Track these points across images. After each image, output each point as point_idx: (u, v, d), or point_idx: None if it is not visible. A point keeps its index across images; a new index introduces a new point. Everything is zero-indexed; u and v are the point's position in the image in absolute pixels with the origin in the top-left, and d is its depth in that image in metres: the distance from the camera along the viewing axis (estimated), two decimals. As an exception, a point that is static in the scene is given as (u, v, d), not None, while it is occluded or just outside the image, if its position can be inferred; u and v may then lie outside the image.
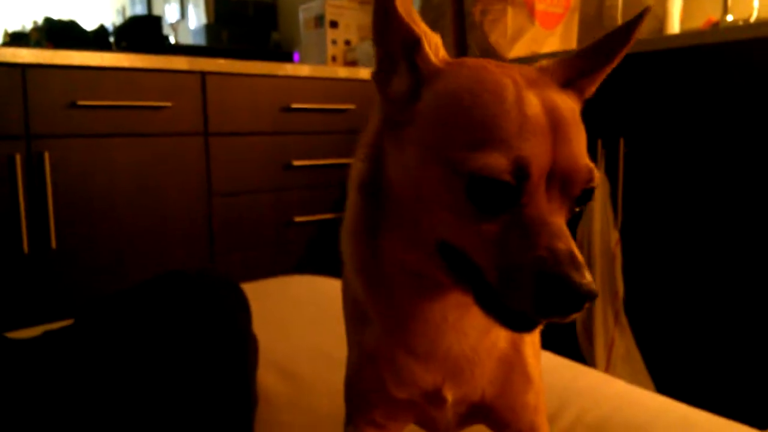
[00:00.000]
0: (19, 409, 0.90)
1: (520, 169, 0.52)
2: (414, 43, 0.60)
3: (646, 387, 1.92)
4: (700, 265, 1.96)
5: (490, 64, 0.60)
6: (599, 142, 2.13)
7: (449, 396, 0.71)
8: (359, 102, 2.71)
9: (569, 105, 0.58)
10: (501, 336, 0.73)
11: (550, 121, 0.55)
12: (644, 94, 2.08)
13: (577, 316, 0.52)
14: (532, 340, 0.78)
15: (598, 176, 0.58)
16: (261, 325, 1.38)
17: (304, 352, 1.33)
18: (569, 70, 0.62)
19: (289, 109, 2.54)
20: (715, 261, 1.92)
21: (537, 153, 0.53)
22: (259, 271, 2.10)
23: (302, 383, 1.24)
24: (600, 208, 2.16)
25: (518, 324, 0.55)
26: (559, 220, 0.55)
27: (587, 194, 0.58)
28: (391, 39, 0.61)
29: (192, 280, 1.17)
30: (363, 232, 0.67)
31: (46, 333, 1.12)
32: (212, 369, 1.03)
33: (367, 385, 0.73)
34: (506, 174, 0.52)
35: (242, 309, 1.17)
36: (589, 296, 0.50)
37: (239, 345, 1.12)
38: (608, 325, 2.15)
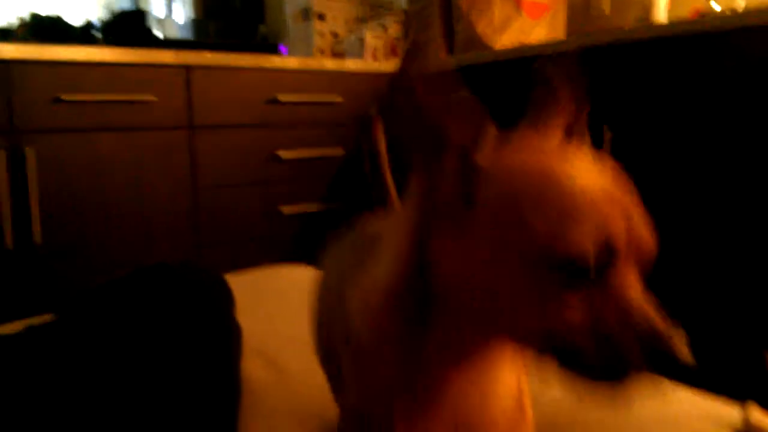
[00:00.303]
0: (2, 404, 0.90)
1: (606, 250, 0.53)
2: (463, 149, 0.57)
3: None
4: (689, 248, 1.98)
5: (538, 152, 0.58)
6: (584, 130, 2.13)
7: None
8: (346, 94, 2.70)
9: (624, 189, 0.58)
10: (511, 391, 0.73)
11: (619, 206, 0.55)
12: (630, 83, 2.09)
13: None
14: (528, 387, 0.79)
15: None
16: (246, 316, 1.39)
17: (289, 341, 1.33)
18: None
19: (275, 102, 2.54)
20: (702, 241, 1.93)
21: (621, 237, 0.54)
22: (246, 263, 2.10)
23: (287, 372, 1.24)
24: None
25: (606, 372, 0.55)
26: (639, 294, 0.55)
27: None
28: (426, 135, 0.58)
29: (174, 272, 1.17)
30: (400, 329, 0.65)
31: (28, 328, 1.12)
32: (196, 359, 1.04)
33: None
34: (591, 256, 0.52)
35: (225, 299, 1.18)
36: (686, 364, 0.52)
37: (222, 335, 1.13)
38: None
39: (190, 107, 2.36)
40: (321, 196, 2.70)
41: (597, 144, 2.00)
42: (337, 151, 2.71)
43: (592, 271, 0.53)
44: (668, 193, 2.01)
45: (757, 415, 1.01)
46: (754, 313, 1.69)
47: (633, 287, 0.55)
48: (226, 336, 1.13)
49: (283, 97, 2.54)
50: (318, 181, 2.70)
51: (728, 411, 1.06)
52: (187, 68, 2.33)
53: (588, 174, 0.56)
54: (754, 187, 1.79)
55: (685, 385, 1.16)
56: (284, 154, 2.57)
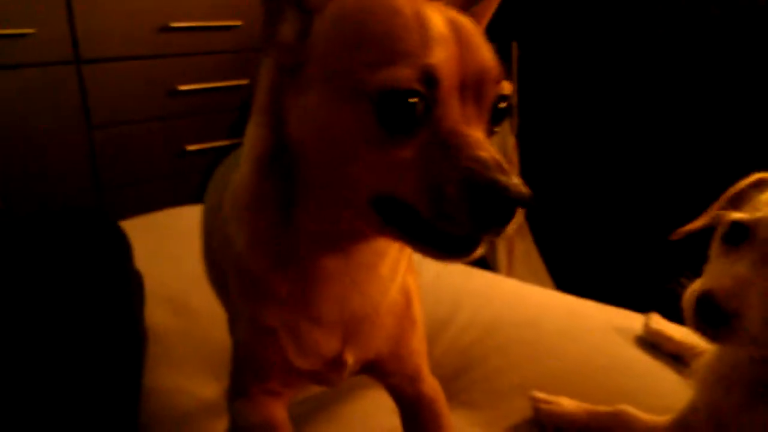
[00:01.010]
0: None
1: (428, 76, 0.50)
2: None
3: (545, 285, 2.00)
4: (594, 165, 2.02)
5: None
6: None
7: (350, 359, 0.71)
8: (247, 18, 2.55)
9: (469, 20, 0.56)
10: (395, 288, 0.72)
11: (452, 30, 0.53)
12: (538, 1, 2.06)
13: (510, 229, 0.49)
14: (417, 284, 0.78)
15: (509, 86, 0.56)
16: (150, 260, 1.33)
17: (195, 285, 1.27)
18: (460, 3, 0.60)
19: (168, 29, 2.36)
20: (609, 160, 1.98)
21: (444, 58, 0.50)
22: (154, 205, 1.99)
23: (194, 316, 1.20)
24: (496, 114, 2.16)
25: (458, 249, 0.51)
26: (478, 133, 0.52)
27: (502, 111, 0.56)
28: None
29: (59, 219, 1.08)
30: (269, 206, 0.62)
31: None
32: (92, 311, 0.98)
33: (265, 358, 0.70)
34: (415, 83, 0.49)
35: (120, 246, 1.10)
36: (521, 197, 0.47)
37: (119, 284, 1.06)
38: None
39: (75, 39, 2.17)
40: (228, 131, 2.58)
41: (506, 60, 1.99)
42: (242, 81, 2.58)
43: (417, 107, 0.49)
44: (575, 103, 2.04)
45: (657, 321, 1.05)
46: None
47: (468, 127, 0.52)
48: (124, 285, 1.07)
49: (177, 24, 2.36)
50: (225, 115, 2.57)
51: (631, 320, 1.10)
52: (66, -5, 2.12)
53: (427, 13, 0.52)
54: (648, 94, 1.83)
55: (592, 300, 1.20)
56: (183, 86, 2.42)
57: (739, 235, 0.67)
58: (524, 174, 2.14)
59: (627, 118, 1.91)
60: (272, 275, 0.65)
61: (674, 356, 1.00)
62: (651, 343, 1.04)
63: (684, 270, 0.70)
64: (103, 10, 2.22)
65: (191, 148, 2.47)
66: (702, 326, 0.65)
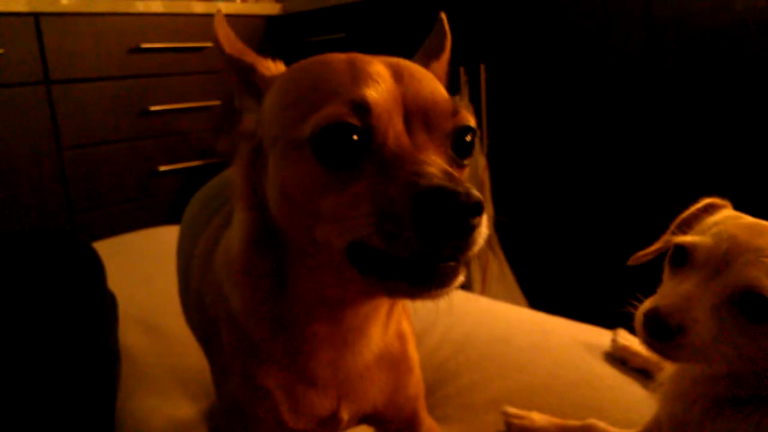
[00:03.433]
0: None
1: (358, 105, 0.50)
2: (249, 71, 0.63)
3: (519, 303, 2.02)
4: (565, 183, 2.06)
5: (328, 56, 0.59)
6: (461, 70, 2.15)
7: (345, 416, 0.71)
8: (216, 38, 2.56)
9: (413, 63, 0.59)
10: (391, 335, 0.73)
11: (390, 69, 0.55)
12: (503, 21, 2.11)
13: (475, 247, 0.47)
14: (411, 327, 0.79)
15: (471, 119, 0.57)
16: (123, 281, 1.32)
17: (168, 305, 1.27)
18: (420, 60, 0.66)
19: (139, 50, 2.36)
20: (579, 180, 2.02)
21: (376, 90, 0.51)
22: (125, 226, 1.99)
23: (167, 336, 1.20)
24: (466, 135, 2.19)
25: (423, 277, 0.48)
26: (431, 157, 0.51)
27: (467, 144, 0.57)
28: (233, 79, 0.64)
29: (30, 240, 1.07)
30: (263, 278, 0.63)
31: None
32: (63, 330, 0.97)
33: (257, 416, 0.69)
34: (345, 115, 0.50)
35: (93, 268, 1.10)
36: (471, 202, 0.45)
37: (93, 305, 1.06)
38: (481, 248, 2.23)
39: (44, 60, 2.16)
40: (201, 151, 2.58)
41: (475, 82, 2.02)
42: (213, 102, 2.58)
43: (353, 138, 0.50)
44: (544, 122, 2.08)
45: (624, 337, 1.08)
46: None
47: (417, 152, 0.51)
48: (97, 305, 1.06)
49: (147, 45, 2.36)
50: (196, 135, 2.57)
51: (599, 336, 1.13)
52: (36, 16, 2.11)
53: (363, 60, 0.55)
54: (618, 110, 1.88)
55: (562, 317, 1.22)
56: (154, 107, 2.42)
57: (683, 257, 0.71)
58: (495, 194, 2.19)
59: (596, 139, 1.95)
60: (268, 339, 0.66)
61: (641, 371, 1.02)
62: (619, 358, 1.06)
63: (646, 288, 0.73)
64: (73, 31, 2.21)
65: (163, 168, 2.46)
66: (650, 341, 0.68)
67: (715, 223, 0.72)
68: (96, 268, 1.11)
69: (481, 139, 2.19)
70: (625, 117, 1.87)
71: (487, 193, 2.19)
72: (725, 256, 0.67)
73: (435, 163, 0.49)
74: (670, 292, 0.69)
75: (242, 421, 0.71)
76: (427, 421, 0.81)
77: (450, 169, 0.49)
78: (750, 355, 0.66)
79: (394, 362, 0.74)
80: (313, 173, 0.52)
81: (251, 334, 0.67)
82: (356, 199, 0.49)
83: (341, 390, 0.70)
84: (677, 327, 0.65)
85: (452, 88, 2.10)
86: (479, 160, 2.18)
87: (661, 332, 0.66)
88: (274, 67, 0.64)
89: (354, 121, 0.50)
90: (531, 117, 2.11)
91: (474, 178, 2.15)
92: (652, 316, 0.67)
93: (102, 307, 1.08)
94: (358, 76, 0.52)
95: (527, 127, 2.13)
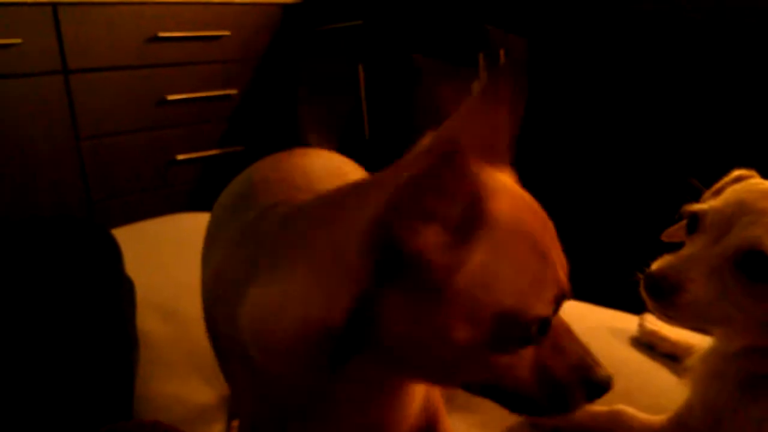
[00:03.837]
0: None
1: (562, 298, 0.54)
2: (476, 200, 0.48)
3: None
4: (590, 168, 2.03)
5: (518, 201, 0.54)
6: (480, 56, 2.12)
7: None
8: (235, 28, 2.55)
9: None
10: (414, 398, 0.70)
11: (551, 235, 0.56)
12: (523, 8, 2.08)
13: None
14: None
15: None
16: (141, 268, 1.31)
17: (186, 291, 1.26)
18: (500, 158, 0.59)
19: (156, 39, 2.36)
20: (605, 162, 1.99)
21: (565, 286, 0.55)
22: (143, 215, 1.97)
23: (185, 322, 1.18)
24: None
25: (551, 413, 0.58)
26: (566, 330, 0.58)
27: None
28: (448, 204, 0.46)
29: (49, 226, 1.07)
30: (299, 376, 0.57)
31: None
32: (84, 317, 0.97)
33: None
34: (552, 308, 0.53)
35: (109, 252, 1.09)
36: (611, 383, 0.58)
37: (111, 290, 1.05)
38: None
39: (62, 50, 2.16)
40: (218, 140, 2.57)
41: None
42: (231, 91, 2.57)
43: (547, 327, 0.53)
44: (564, 112, 2.05)
45: (652, 322, 1.05)
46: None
47: (561, 326, 0.57)
48: (115, 291, 1.05)
49: (164, 34, 2.36)
50: (213, 124, 2.56)
51: (626, 321, 1.10)
52: (54, 6, 2.11)
53: (544, 230, 0.54)
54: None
55: (587, 302, 1.19)
56: (172, 96, 2.41)
57: (695, 224, 0.72)
58: (519, 176, 2.14)
59: (614, 123, 1.92)
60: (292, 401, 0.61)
61: (670, 356, 1.00)
62: (646, 344, 1.03)
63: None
64: (91, 20, 2.22)
65: (180, 157, 2.46)
66: (650, 302, 0.70)
67: (732, 191, 0.72)
68: (113, 253, 1.11)
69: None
70: (650, 108, 1.83)
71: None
72: (730, 219, 0.67)
73: (576, 338, 0.59)
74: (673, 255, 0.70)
75: None
76: (445, 422, 0.77)
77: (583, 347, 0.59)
78: (758, 317, 0.66)
79: (417, 424, 0.72)
80: (496, 345, 0.52)
81: (273, 390, 0.61)
82: (526, 361, 0.54)
83: None
84: (672, 286, 0.67)
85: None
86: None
87: (658, 292, 0.68)
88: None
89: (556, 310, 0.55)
90: (552, 105, 2.08)
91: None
92: (649, 276, 0.69)
93: (119, 292, 1.07)
94: (560, 274, 0.54)
95: (547, 114, 2.10)
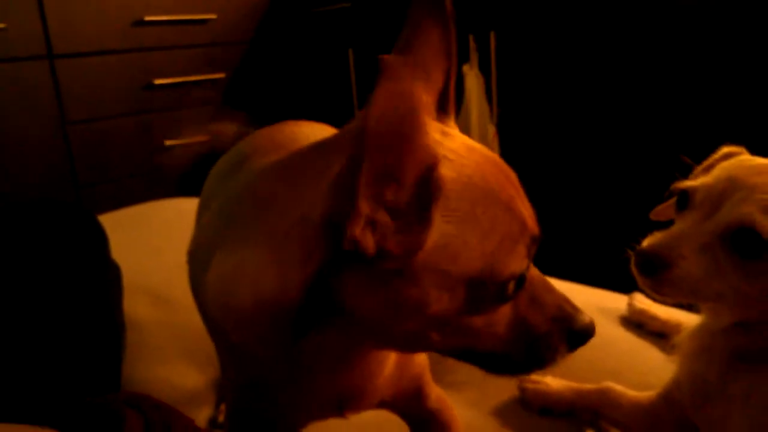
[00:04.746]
0: None
1: (534, 244, 0.53)
2: (432, 165, 0.44)
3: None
4: (574, 150, 2.02)
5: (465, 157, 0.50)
6: (471, 38, 2.11)
7: (349, 416, 0.68)
8: (221, 11, 2.52)
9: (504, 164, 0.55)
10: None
11: (513, 184, 0.53)
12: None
13: None
14: None
15: None
16: (130, 252, 1.30)
17: (176, 276, 1.25)
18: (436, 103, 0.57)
19: (142, 23, 2.33)
20: (588, 144, 1.98)
21: (535, 232, 0.53)
22: (132, 201, 1.96)
23: (174, 307, 1.18)
24: (476, 102, 2.16)
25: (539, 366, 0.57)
26: (534, 270, 0.57)
27: None
28: (405, 169, 0.43)
29: (32, 211, 1.06)
30: (270, 339, 0.54)
31: None
32: (67, 299, 0.96)
33: (262, 414, 0.67)
34: (526, 261, 0.52)
35: (94, 236, 1.08)
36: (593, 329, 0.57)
37: (97, 275, 1.04)
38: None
39: (47, 34, 2.13)
40: (206, 124, 2.55)
41: (485, 50, 1.98)
42: (218, 75, 2.55)
43: (523, 281, 0.52)
44: (554, 90, 2.04)
45: (641, 301, 1.05)
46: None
47: (536, 277, 0.56)
48: (101, 275, 1.04)
49: (150, 17, 2.33)
50: (200, 109, 2.54)
51: (615, 301, 1.10)
52: (37, -11, 2.08)
53: (505, 182, 0.52)
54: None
55: (576, 282, 1.19)
56: (159, 80, 2.39)
57: (686, 201, 0.72)
58: (505, 160, 2.14)
59: (608, 106, 1.91)
60: (283, 379, 0.61)
61: (659, 335, 1.00)
62: (635, 323, 1.04)
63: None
64: (76, 4, 2.19)
65: (169, 143, 2.44)
66: (641, 278, 0.70)
67: (722, 167, 0.71)
68: (99, 238, 1.10)
69: (491, 108, 2.15)
70: (639, 85, 1.82)
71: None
72: (721, 196, 0.67)
73: (553, 289, 0.57)
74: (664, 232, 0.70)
75: (249, 416, 0.68)
76: (433, 392, 0.76)
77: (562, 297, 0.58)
78: (749, 293, 0.66)
79: (400, 359, 0.70)
80: (477, 306, 0.51)
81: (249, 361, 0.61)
82: (503, 318, 0.53)
83: (344, 400, 0.66)
84: (662, 263, 0.67)
85: (461, 56, 2.07)
86: (489, 128, 2.15)
87: (649, 268, 0.68)
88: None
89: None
90: (541, 85, 2.07)
91: (483, 146, 2.11)
92: (640, 253, 0.69)
93: (105, 277, 1.06)
94: (530, 223, 0.53)
95: (538, 95, 2.09)
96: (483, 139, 2.14)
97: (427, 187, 0.44)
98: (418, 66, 0.53)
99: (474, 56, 2.13)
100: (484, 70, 2.12)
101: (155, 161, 2.40)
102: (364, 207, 0.42)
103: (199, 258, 0.63)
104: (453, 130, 0.55)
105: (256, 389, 0.64)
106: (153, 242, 1.47)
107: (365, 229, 0.43)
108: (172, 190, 2.31)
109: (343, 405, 0.66)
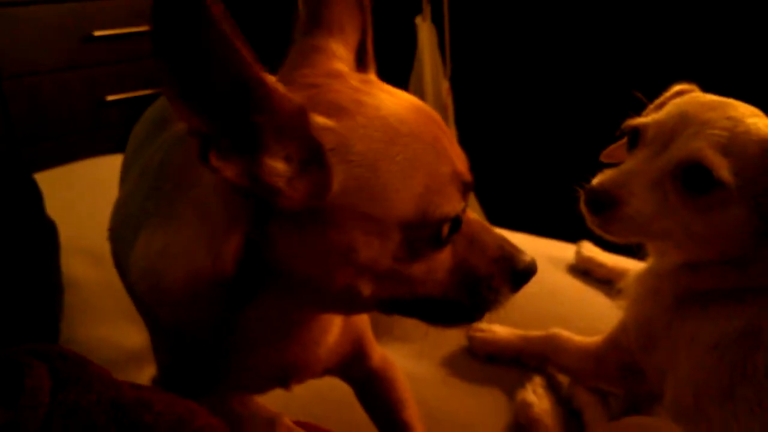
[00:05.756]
0: None
1: (467, 190, 0.52)
2: (299, 113, 0.45)
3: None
4: (527, 104, 2.02)
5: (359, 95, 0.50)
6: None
7: (294, 387, 0.68)
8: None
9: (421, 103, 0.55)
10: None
11: (439, 127, 0.53)
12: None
13: None
14: None
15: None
16: (69, 211, 1.26)
17: (116, 233, 1.22)
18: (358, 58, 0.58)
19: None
20: (538, 98, 1.98)
21: (465, 172, 0.53)
22: (74, 158, 1.88)
23: (114, 267, 1.14)
24: (429, 58, 2.11)
25: (478, 314, 0.57)
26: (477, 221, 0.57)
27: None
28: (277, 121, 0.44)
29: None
30: (204, 310, 0.54)
31: None
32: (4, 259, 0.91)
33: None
34: (461, 205, 0.51)
35: (27, 193, 1.02)
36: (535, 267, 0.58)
37: (28, 231, 0.99)
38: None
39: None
40: (150, 80, 2.45)
41: (438, 4, 1.93)
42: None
43: (459, 224, 0.51)
44: (506, 45, 2.02)
45: (589, 249, 1.05)
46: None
47: (474, 221, 0.55)
48: (35, 234, 1.00)
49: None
50: (144, 63, 2.43)
51: (563, 250, 1.10)
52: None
53: (433, 127, 0.52)
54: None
55: (525, 233, 1.19)
56: (99, 32, 2.27)
57: (637, 139, 0.71)
58: (458, 115, 2.13)
59: (560, 56, 1.90)
60: (221, 353, 0.59)
61: (606, 282, 1.01)
62: (583, 270, 1.04)
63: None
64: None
65: (111, 98, 2.34)
66: (590, 217, 0.69)
67: (674, 104, 0.71)
68: (32, 195, 1.04)
69: (444, 63, 2.11)
70: (591, 29, 1.82)
71: (450, 117, 2.13)
72: (672, 132, 0.67)
73: (490, 229, 0.57)
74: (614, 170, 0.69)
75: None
76: (376, 353, 0.75)
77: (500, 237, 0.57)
78: (697, 230, 0.66)
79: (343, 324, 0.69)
80: (409, 250, 0.50)
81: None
82: (444, 264, 0.53)
83: (286, 374, 0.66)
84: (612, 200, 0.66)
85: (414, 8, 2.02)
86: (442, 83, 2.11)
87: (598, 206, 0.67)
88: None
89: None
90: (495, 39, 2.05)
91: (437, 101, 2.09)
92: (589, 190, 0.69)
93: (40, 234, 1.01)
94: (455, 160, 0.53)
95: (491, 50, 2.07)
96: (437, 94, 2.11)
97: (304, 132, 0.45)
98: (333, 22, 0.56)
99: (427, 8, 2.08)
100: (436, 22, 2.08)
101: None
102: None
103: (122, 236, 0.63)
104: (373, 77, 0.57)
105: (191, 370, 0.62)
106: (93, 201, 1.41)
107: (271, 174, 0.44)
108: (114, 148, 2.23)
109: (288, 377, 0.66)
